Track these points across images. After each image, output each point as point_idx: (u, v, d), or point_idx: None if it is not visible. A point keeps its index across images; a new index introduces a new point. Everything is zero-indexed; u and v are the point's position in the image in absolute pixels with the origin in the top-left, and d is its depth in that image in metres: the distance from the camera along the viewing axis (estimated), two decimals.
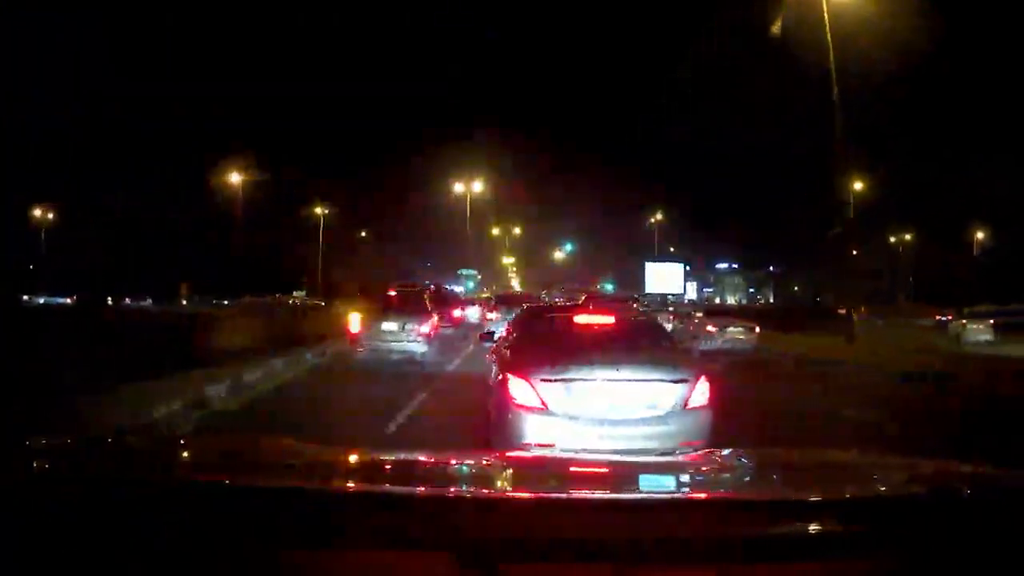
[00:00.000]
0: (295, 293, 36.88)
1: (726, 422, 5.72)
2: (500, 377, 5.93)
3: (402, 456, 2.94)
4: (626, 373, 5.63)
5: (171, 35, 47.04)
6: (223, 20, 55.47)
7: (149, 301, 35.60)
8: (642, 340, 6.48)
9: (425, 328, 15.32)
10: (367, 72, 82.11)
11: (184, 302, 34.84)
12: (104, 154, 41.55)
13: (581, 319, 6.73)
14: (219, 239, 39.12)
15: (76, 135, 38.17)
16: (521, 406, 5.51)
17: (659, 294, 46.89)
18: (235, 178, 38.67)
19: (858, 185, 26.80)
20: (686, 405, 5.58)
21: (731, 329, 19.84)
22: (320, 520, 1.55)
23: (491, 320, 22.72)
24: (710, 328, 19.79)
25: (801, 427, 8.47)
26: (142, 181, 42.31)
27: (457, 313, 23.21)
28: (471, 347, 16.26)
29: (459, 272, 47.81)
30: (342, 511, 1.61)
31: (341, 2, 75.99)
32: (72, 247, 40.51)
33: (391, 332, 15.24)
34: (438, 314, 20.81)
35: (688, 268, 61.33)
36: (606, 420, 5.45)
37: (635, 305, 24.45)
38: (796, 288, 74.46)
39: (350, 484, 2.20)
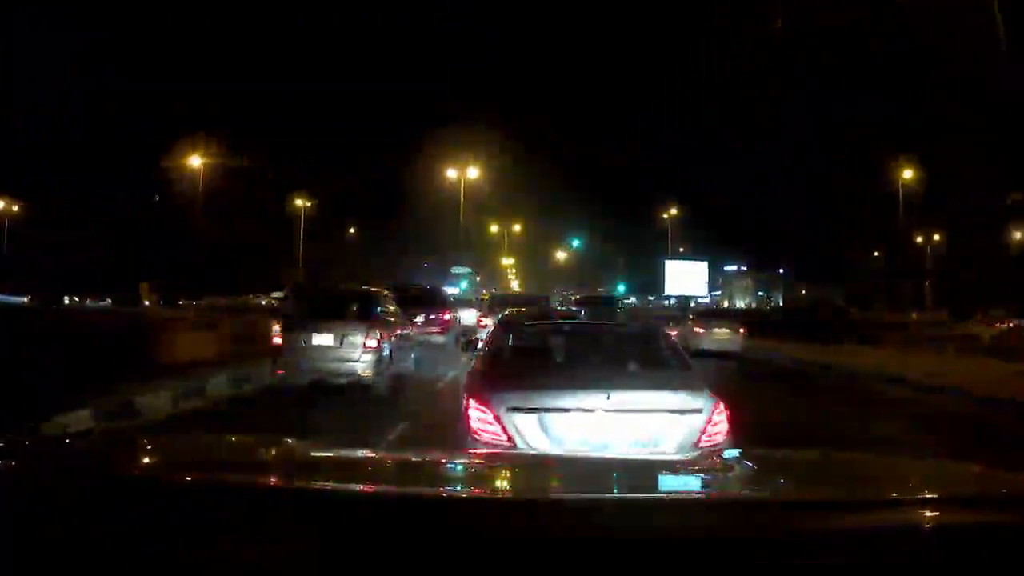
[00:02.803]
0: (274, 294, 34.36)
1: None
2: (464, 403, 4.81)
3: (397, 456, 2.84)
4: (618, 401, 4.40)
5: (155, 27, 44.61)
6: (220, 15, 53.10)
7: (108, 302, 33.10)
8: (642, 356, 5.26)
9: (372, 341, 11.74)
10: (365, 70, 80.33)
11: (146, 303, 32.33)
12: (79, 150, 39.24)
13: (567, 330, 5.93)
14: (192, 236, 36.92)
15: (49, 130, 35.78)
16: (483, 442, 4.39)
17: (678, 296, 44.03)
18: (208, 171, 37.02)
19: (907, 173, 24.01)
20: (699, 443, 4.34)
21: (716, 331, 22.64)
22: (311, 519, 1.50)
23: (486, 327, 19.69)
24: (697, 330, 22.73)
25: None
26: (119, 178, 40.61)
27: (446, 318, 20.32)
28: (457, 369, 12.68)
29: (451, 270, 45.01)
30: (337, 510, 1.56)
31: (340, 1, 73.99)
32: (39, 244, 38.39)
33: (325, 348, 11.79)
34: (424, 319, 18.13)
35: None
36: None
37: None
38: (804, 292, 71.80)
39: (348, 484, 1.94)
